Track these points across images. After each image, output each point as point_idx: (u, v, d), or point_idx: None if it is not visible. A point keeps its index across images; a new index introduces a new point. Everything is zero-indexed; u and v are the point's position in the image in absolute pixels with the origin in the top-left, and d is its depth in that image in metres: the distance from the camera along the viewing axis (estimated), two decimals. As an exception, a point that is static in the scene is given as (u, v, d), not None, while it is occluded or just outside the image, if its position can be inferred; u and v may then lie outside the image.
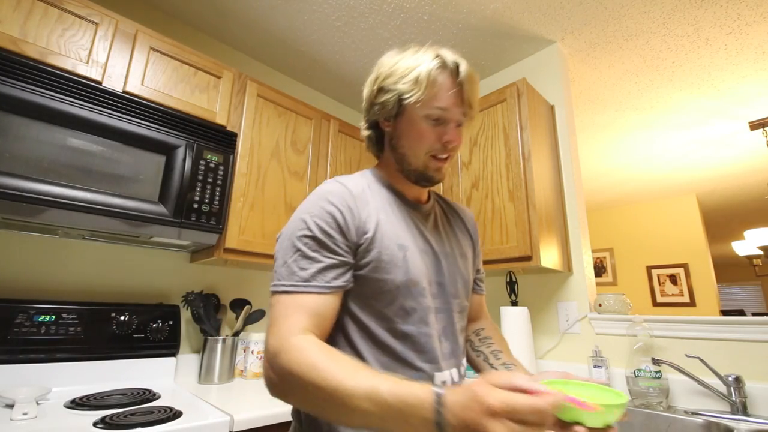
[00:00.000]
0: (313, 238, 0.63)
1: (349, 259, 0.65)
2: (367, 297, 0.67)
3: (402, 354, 0.65)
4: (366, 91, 0.77)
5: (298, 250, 0.63)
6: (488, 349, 0.83)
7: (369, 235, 0.66)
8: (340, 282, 0.63)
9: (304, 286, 0.61)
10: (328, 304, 0.62)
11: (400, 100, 0.70)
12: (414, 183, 0.76)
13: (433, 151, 0.71)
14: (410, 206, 0.77)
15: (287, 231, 0.67)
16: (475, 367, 0.86)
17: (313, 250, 0.63)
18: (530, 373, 0.75)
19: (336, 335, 0.67)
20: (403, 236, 0.70)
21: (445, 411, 0.43)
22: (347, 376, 0.49)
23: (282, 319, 0.59)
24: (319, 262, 0.62)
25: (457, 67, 0.69)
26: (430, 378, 0.66)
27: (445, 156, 0.72)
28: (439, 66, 0.69)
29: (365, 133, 0.81)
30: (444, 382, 0.67)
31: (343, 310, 0.67)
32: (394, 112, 0.72)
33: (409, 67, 0.69)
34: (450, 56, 0.70)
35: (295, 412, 0.70)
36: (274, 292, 0.62)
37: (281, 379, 0.54)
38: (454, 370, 0.70)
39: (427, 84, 0.68)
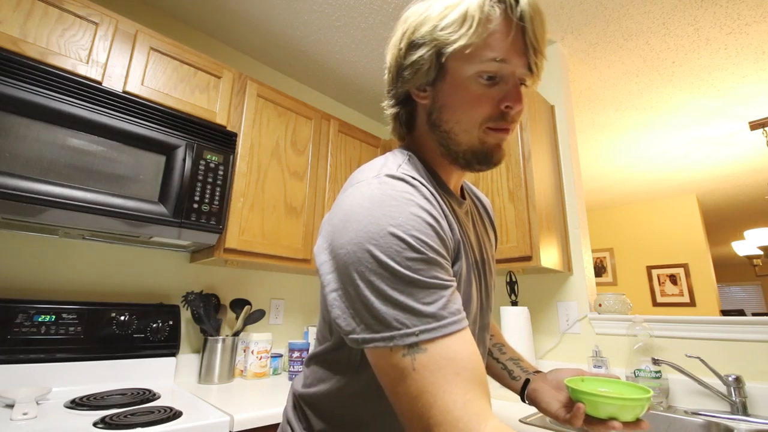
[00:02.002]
0: (420, 257, 0.43)
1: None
2: None
3: None
4: (390, 56, 0.57)
5: (409, 278, 0.41)
6: (490, 342, 0.80)
7: (455, 250, 0.52)
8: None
9: (444, 325, 0.40)
10: (474, 343, 0.43)
11: (439, 54, 0.51)
12: (464, 168, 0.57)
13: (490, 121, 0.52)
14: (455, 203, 0.59)
15: (360, 254, 0.42)
16: None
17: (428, 272, 0.43)
18: (535, 367, 0.74)
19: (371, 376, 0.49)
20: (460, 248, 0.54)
21: None
22: None
23: (442, 394, 0.37)
24: (443, 288, 0.43)
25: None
26: None
27: (506, 126, 0.53)
28: None
29: (390, 111, 0.61)
30: None
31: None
32: (432, 74, 0.53)
33: (448, 5, 0.50)
34: None
35: (294, 414, 0.61)
36: (391, 347, 0.40)
37: None
38: None
39: (478, 24, 0.48)
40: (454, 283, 0.45)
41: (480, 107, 0.51)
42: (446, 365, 0.38)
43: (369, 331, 0.41)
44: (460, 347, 0.40)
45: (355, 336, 0.42)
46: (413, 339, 0.39)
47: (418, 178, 0.50)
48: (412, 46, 0.53)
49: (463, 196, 0.64)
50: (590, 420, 0.54)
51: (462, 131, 0.53)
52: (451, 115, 0.53)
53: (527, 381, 0.71)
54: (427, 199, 0.48)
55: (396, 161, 0.54)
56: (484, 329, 0.63)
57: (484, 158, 0.55)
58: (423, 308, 0.40)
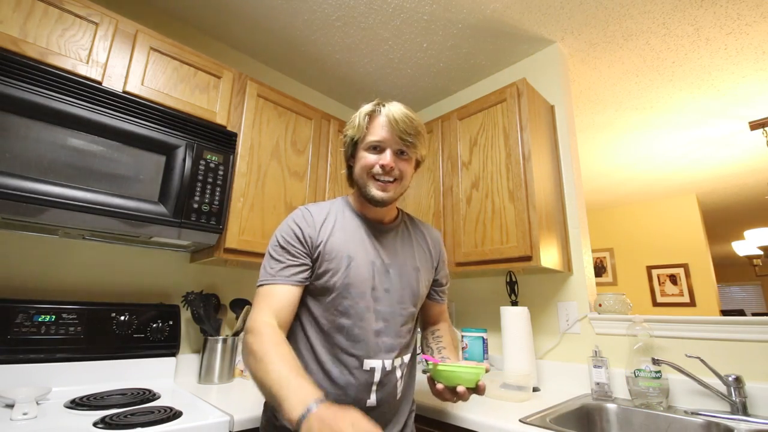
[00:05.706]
0: (280, 246, 0.87)
1: (305, 261, 0.86)
2: (317, 294, 0.87)
3: (338, 341, 0.84)
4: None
5: (270, 255, 0.87)
6: (436, 346, 1.03)
7: (321, 246, 0.87)
8: (297, 278, 0.85)
9: (271, 279, 0.84)
10: (287, 292, 0.83)
11: (351, 141, 0.93)
12: (371, 205, 0.92)
13: (372, 173, 0.89)
14: (370, 226, 0.95)
15: (268, 246, 0.90)
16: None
17: (279, 255, 0.86)
18: (462, 360, 0.93)
19: (294, 325, 0.88)
20: (353, 249, 0.88)
21: (305, 423, 0.58)
22: (276, 367, 0.69)
23: (256, 305, 0.82)
24: (282, 262, 0.85)
25: (385, 106, 0.89)
26: (360, 362, 0.83)
27: (383, 178, 0.88)
28: (371, 108, 0.90)
29: (343, 171, 1.01)
30: (373, 368, 0.83)
31: (302, 304, 0.87)
32: (350, 151, 0.95)
33: (353, 116, 0.93)
34: (386, 101, 0.91)
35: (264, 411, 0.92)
36: (257, 286, 0.86)
37: (245, 351, 0.77)
38: (389, 361, 0.86)
39: (364, 124, 0.89)
40: (294, 261, 0.85)
41: (367, 164, 0.89)
42: (262, 294, 0.83)
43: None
44: (271, 289, 0.83)
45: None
46: (259, 283, 0.85)
47: (309, 208, 0.93)
48: (343, 136, 0.96)
49: (390, 224, 0.99)
50: (447, 389, 0.81)
51: (361, 180, 0.91)
52: (357, 171, 0.92)
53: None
54: (302, 218, 0.90)
55: (325, 201, 0.99)
56: (390, 313, 0.89)
57: (370, 199, 0.90)
58: (269, 270, 0.85)
